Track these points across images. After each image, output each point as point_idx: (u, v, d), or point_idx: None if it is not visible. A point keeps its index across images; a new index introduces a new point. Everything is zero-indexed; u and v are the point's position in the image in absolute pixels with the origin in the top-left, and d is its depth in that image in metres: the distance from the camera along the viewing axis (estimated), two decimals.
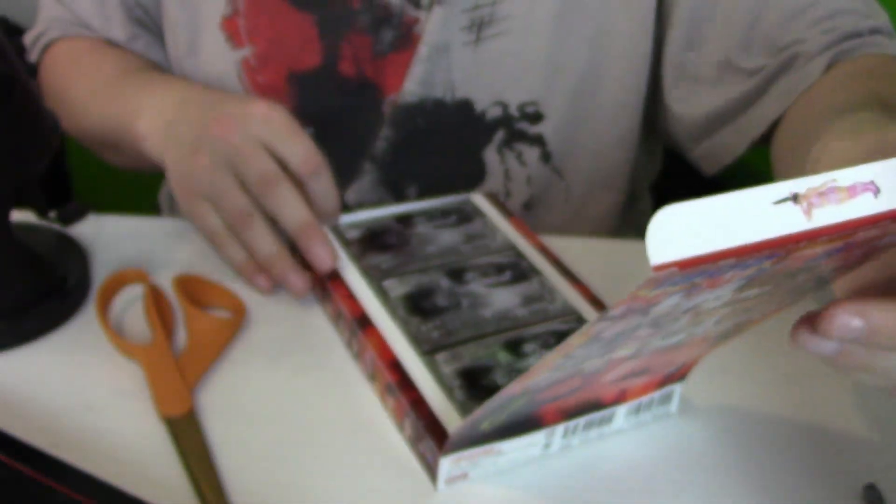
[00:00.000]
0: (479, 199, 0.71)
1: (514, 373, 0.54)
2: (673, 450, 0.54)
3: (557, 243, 0.68)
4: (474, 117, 0.77)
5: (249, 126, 0.61)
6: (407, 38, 0.74)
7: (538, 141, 0.78)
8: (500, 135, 0.78)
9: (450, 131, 0.77)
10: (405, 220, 0.68)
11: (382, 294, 0.60)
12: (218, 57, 0.76)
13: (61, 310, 0.61)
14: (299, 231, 0.61)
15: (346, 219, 0.67)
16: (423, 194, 0.79)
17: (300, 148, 0.61)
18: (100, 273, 0.65)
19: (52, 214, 0.63)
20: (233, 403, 0.56)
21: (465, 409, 0.51)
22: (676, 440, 0.55)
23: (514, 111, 0.76)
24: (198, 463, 0.51)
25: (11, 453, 0.49)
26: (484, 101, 0.76)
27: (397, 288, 0.60)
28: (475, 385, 0.53)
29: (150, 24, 0.82)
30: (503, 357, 0.55)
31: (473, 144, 0.78)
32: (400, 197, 0.80)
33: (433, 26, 0.73)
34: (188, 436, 0.52)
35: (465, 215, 0.69)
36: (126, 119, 0.70)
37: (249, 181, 0.60)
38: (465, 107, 0.76)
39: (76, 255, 0.65)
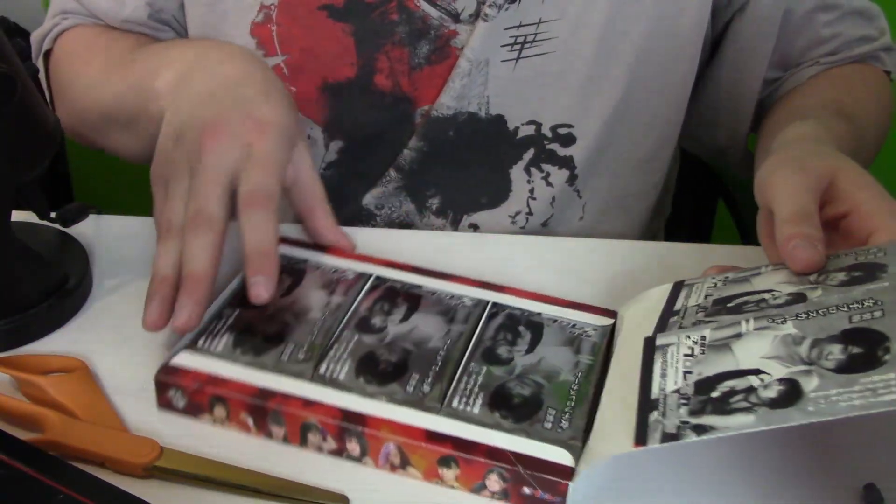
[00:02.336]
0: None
1: (524, 377, 0.54)
2: (673, 449, 0.54)
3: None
4: (506, 134, 0.76)
5: (231, 152, 0.58)
6: (443, 52, 0.73)
7: (567, 163, 0.78)
8: (529, 153, 0.77)
9: (479, 146, 0.77)
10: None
11: (333, 382, 0.53)
12: None
13: (62, 310, 0.61)
14: (183, 280, 0.55)
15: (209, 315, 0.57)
16: (444, 205, 0.79)
17: (253, 179, 0.57)
18: (101, 273, 0.65)
19: (53, 215, 0.63)
20: None
21: (529, 434, 0.50)
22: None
23: (546, 131, 0.76)
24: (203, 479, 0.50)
25: (11, 453, 0.49)
26: (518, 119, 0.76)
27: (337, 369, 0.54)
28: (509, 408, 0.52)
29: (175, 26, 0.80)
30: (497, 371, 0.54)
31: (502, 161, 0.78)
32: (421, 205, 0.78)
33: (475, 41, 0.72)
34: (180, 464, 0.51)
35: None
36: (144, 83, 0.68)
37: (188, 207, 0.57)
38: (497, 123, 0.76)
39: (77, 256, 0.65)
